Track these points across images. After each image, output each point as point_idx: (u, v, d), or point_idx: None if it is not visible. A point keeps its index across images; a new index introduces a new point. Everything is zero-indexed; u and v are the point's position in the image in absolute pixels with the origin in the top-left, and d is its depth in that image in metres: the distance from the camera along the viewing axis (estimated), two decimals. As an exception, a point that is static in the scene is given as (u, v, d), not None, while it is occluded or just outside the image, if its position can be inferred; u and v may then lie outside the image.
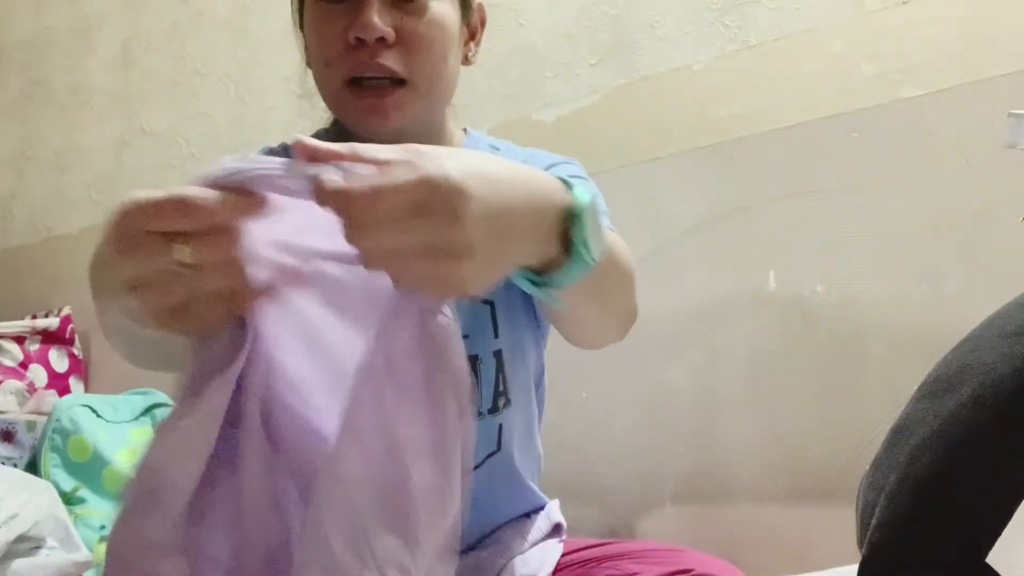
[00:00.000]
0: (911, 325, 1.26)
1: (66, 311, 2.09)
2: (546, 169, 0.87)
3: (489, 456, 0.96)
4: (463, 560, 0.95)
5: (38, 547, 1.34)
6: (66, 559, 1.35)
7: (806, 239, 1.35)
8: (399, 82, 0.87)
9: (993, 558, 0.66)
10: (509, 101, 1.65)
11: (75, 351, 2.09)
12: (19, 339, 2.02)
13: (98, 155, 2.24)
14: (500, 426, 0.96)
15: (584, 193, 0.60)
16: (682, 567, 0.88)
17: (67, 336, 2.07)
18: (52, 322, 2.06)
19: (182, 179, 1.90)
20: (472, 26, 0.98)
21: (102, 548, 1.54)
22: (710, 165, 1.44)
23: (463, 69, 0.98)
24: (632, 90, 1.53)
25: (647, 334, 1.49)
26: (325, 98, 0.94)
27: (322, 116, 1.00)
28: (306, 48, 0.95)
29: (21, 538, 1.31)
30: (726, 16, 1.47)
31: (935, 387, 0.71)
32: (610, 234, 0.73)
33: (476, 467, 0.94)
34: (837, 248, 1.33)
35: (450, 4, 0.92)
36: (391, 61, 0.86)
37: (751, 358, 1.37)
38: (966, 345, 0.72)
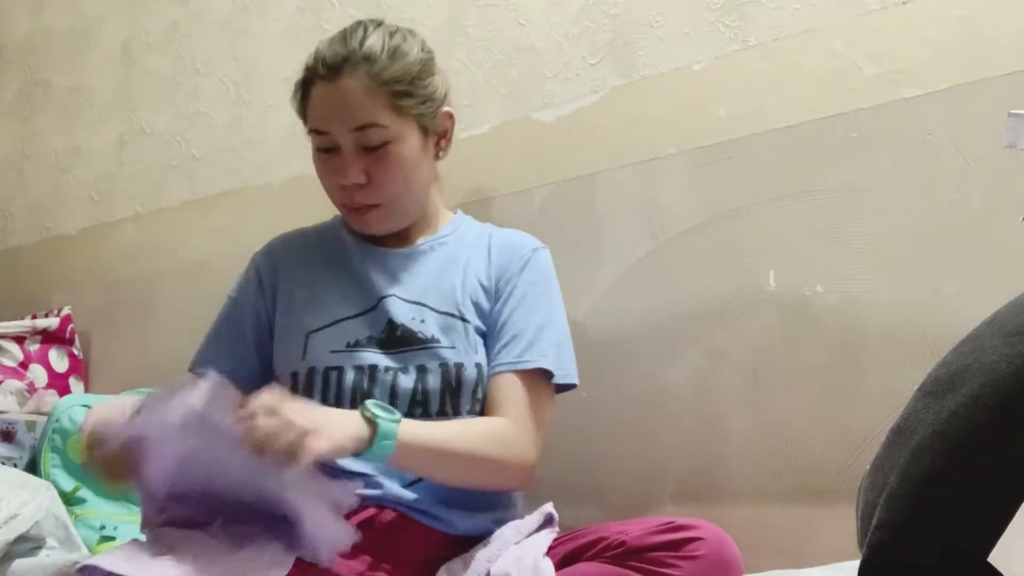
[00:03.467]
0: (911, 325, 1.26)
1: (66, 311, 2.09)
2: (517, 254, 1.24)
3: None
4: (465, 557, 1.03)
5: (38, 547, 1.34)
6: (66, 559, 1.35)
7: (806, 239, 1.35)
8: (375, 205, 1.18)
9: (993, 558, 0.66)
10: (509, 101, 1.65)
11: (75, 351, 2.09)
12: (19, 339, 2.02)
13: (98, 155, 2.24)
14: None
15: (387, 427, 1.00)
16: (663, 521, 1.02)
17: (67, 336, 2.08)
18: (52, 322, 2.06)
19: (182, 179, 1.93)
20: (440, 130, 1.23)
21: (102, 548, 1.54)
22: (710, 165, 1.44)
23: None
24: (632, 90, 1.53)
25: (647, 334, 1.49)
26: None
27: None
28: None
29: (21, 538, 1.31)
30: (726, 16, 1.47)
31: (935, 387, 0.71)
32: (467, 438, 1.10)
33: None
34: (837, 248, 1.33)
35: (410, 138, 1.17)
36: (366, 197, 1.18)
37: (751, 358, 1.37)
38: (966, 345, 0.72)
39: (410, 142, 1.17)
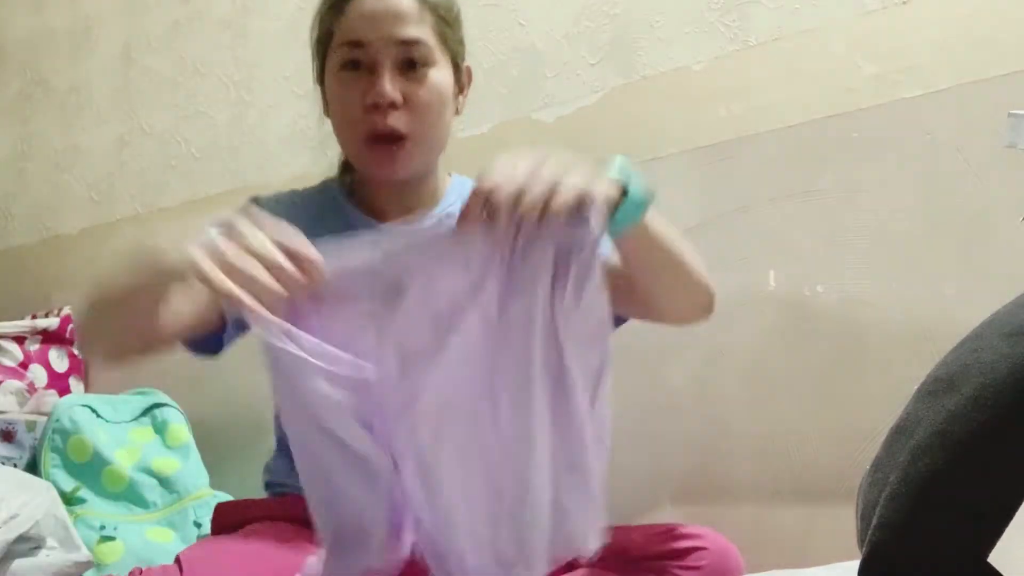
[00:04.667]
0: (911, 325, 1.26)
1: (66, 311, 2.08)
2: None
3: None
4: None
5: (38, 547, 1.34)
6: (66, 559, 1.35)
7: (806, 239, 1.35)
8: (402, 137, 1.09)
9: (993, 558, 0.66)
10: (509, 101, 1.65)
11: (75, 351, 2.09)
12: (19, 339, 2.02)
13: (98, 155, 2.24)
14: None
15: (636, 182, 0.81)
16: (666, 528, 1.00)
17: (67, 336, 2.07)
18: (52, 322, 2.06)
19: (182, 179, 1.92)
20: (461, 83, 1.17)
21: (102, 548, 1.54)
22: (710, 165, 1.44)
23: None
24: (632, 90, 1.53)
25: (647, 334, 1.49)
26: (345, 150, 1.16)
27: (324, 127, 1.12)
28: (325, 103, 1.16)
29: (21, 538, 1.31)
30: (726, 16, 1.47)
31: (935, 387, 0.71)
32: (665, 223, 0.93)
33: None
34: (837, 248, 1.33)
35: (446, 71, 1.12)
36: (398, 122, 1.08)
37: (751, 358, 1.37)
38: (966, 345, 0.72)
39: (446, 74, 1.12)
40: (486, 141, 1.65)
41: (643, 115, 1.51)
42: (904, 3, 1.32)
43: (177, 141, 2.10)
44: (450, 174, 1.25)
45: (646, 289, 0.97)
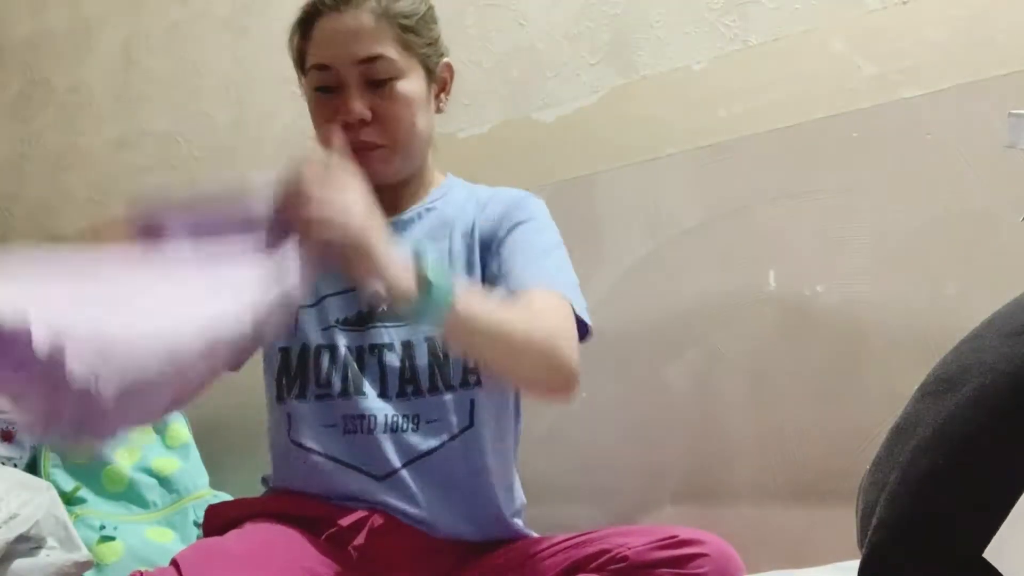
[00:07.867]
0: (911, 325, 1.26)
1: (66, 311, 2.08)
2: (505, 203, 1.18)
3: (463, 430, 1.10)
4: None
5: (38, 547, 1.34)
6: (66, 559, 1.35)
7: (806, 239, 1.35)
8: (379, 146, 1.12)
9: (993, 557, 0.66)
10: (509, 101, 1.65)
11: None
12: (19, 339, 2.02)
13: (98, 155, 2.24)
14: (472, 401, 1.11)
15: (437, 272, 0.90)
16: (667, 534, 0.99)
17: (67, 336, 2.07)
18: (52, 322, 2.05)
19: (182, 179, 1.92)
20: (441, 81, 1.19)
21: (102, 548, 1.54)
22: (710, 165, 1.44)
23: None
24: (632, 90, 1.53)
25: (647, 334, 1.49)
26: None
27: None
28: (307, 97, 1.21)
29: (21, 538, 1.31)
30: (726, 16, 1.47)
31: (935, 387, 0.71)
32: (517, 310, 1.01)
33: (452, 438, 1.10)
34: (837, 248, 1.33)
35: (416, 78, 1.14)
36: (370, 136, 1.12)
37: (751, 358, 1.37)
38: (966, 345, 0.72)
39: (416, 82, 1.13)
40: (486, 141, 1.65)
41: (643, 115, 1.51)
42: (904, 3, 1.32)
43: (177, 141, 2.10)
44: (444, 174, 1.25)
45: (488, 367, 1.06)
